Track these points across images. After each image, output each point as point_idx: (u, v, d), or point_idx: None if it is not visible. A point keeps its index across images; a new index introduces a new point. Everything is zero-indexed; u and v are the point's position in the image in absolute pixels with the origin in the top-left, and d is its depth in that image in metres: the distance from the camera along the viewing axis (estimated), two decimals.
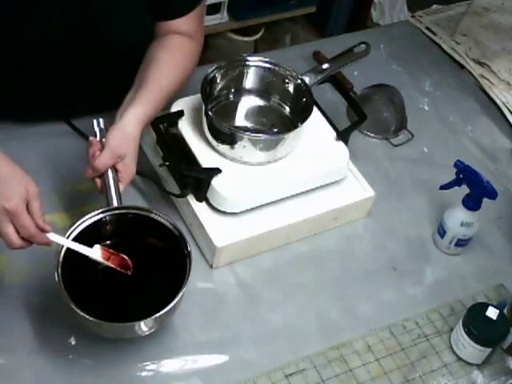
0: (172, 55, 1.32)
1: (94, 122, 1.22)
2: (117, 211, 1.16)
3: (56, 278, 1.07)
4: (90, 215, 1.14)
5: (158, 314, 1.07)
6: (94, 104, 1.40)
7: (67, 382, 1.12)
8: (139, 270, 1.14)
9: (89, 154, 1.19)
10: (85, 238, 1.13)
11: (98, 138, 1.21)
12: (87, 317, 1.05)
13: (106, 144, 1.18)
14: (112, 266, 1.12)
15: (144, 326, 1.09)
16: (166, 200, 1.35)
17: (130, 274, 1.13)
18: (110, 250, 1.13)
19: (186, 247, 1.13)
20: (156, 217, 1.16)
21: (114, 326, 1.08)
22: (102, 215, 1.15)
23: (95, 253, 1.12)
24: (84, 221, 1.14)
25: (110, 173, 1.17)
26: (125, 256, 1.13)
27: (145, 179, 1.36)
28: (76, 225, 1.13)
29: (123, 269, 1.13)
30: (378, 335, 1.24)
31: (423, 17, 1.89)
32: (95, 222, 1.15)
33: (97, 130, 1.21)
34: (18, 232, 1.06)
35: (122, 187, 1.18)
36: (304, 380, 1.17)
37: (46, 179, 1.33)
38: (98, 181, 1.18)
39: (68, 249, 1.11)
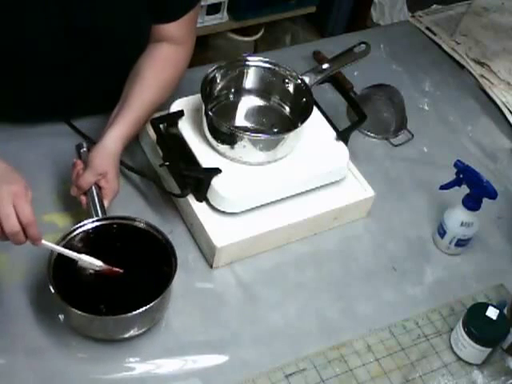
0: (158, 69, 1.34)
1: (78, 145, 1.31)
2: (102, 222, 1.20)
3: (52, 290, 1.10)
4: (75, 226, 1.18)
5: (137, 311, 1.09)
6: (94, 104, 1.41)
7: (67, 381, 1.12)
8: (129, 276, 1.16)
9: (73, 174, 1.25)
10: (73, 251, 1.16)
11: (82, 158, 1.28)
12: (82, 313, 1.08)
13: (88, 163, 1.24)
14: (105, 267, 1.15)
15: (132, 323, 1.12)
16: (166, 200, 1.35)
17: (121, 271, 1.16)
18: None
19: (172, 252, 1.16)
20: (140, 225, 1.20)
21: (104, 320, 1.12)
22: (87, 227, 1.19)
23: (86, 258, 1.15)
24: (70, 232, 1.17)
25: (94, 190, 1.24)
26: (119, 269, 1.16)
27: (145, 179, 1.36)
28: (61, 239, 1.16)
29: (113, 273, 1.16)
30: (377, 335, 1.24)
31: (423, 17, 1.89)
32: (82, 232, 1.18)
33: (80, 151, 1.29)
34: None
35: (106, 203, 1.24)
36: (304, 380, 1.17)
37: (45, 179, 1.33)
38: (83, 198, 1.24)
39: (55, 260, 1.13)
